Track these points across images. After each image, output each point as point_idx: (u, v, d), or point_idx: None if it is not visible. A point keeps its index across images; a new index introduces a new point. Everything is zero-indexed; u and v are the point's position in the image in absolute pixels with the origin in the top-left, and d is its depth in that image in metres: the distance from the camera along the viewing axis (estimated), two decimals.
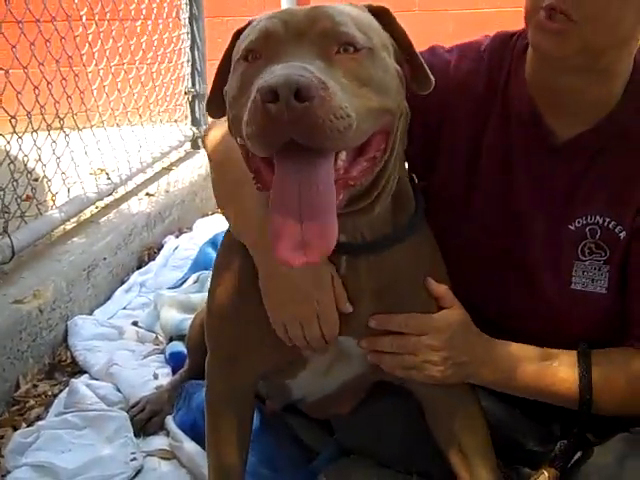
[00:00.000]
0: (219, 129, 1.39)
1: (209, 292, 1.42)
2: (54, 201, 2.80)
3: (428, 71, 1.22)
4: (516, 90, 1.38)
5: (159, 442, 1.86)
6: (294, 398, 1.59)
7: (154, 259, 3.01)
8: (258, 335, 1.33)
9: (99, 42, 3.09)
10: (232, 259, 1.35)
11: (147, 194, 3.29)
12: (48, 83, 2.56)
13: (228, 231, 1.41)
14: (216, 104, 1.27)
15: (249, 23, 1.20)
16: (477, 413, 1.42)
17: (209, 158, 1.46)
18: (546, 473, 1.36)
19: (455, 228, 1.41)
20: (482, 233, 1.42)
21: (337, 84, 1.01)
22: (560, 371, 1.34)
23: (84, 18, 2.88)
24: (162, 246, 3.15)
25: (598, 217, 1.34)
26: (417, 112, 1.28)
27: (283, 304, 1.26)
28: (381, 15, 1.20)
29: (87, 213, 2.93)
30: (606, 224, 1.33)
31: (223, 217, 1.42)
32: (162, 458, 1.80)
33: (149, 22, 3.52)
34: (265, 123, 0.96)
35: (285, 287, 1.24)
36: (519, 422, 1.56)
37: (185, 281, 2.78)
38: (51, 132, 2.69)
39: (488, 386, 1.39)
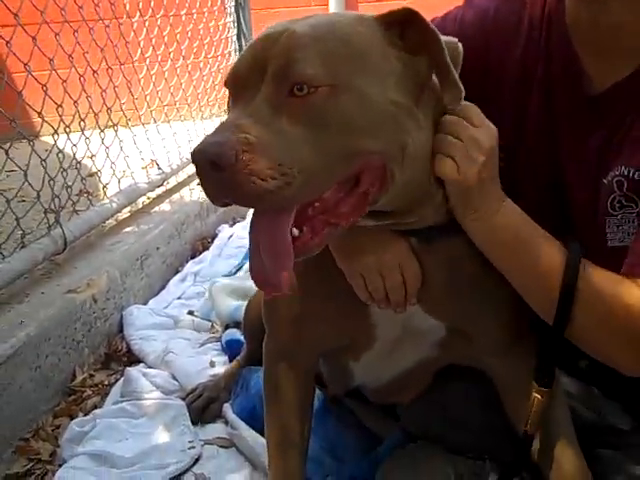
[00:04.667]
0: None
1: None
2: (105, 193, 2.79)
3: (459, 83, 1.07)
4: (556, 37, 1.29)
5: (217, 430, 1.83)
6: (355, 384, 1.52)
7: (208, 249, 2.98)
8: (321, 309, 1.28)
9: (144, 31, 3.06)
10: None
11: (199, 184, 3.23)
12: (94, 72, 2.53)
13: None
14: None
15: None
16: (557, 392, 1.31)
17: None
18: (539, 396, 1.24)
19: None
20: (527, 185, 1.33)
21: (277, 136, 0.95)
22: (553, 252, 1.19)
23: (127, 6, 2.85)
24: (216, 235, 3.13)
25: (624, 168, 1.24)
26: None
27: (362, 254, 1.21)
28: (403, 24, 1.05)
29: (139, 204, 2.92)
30: (631, 175, 1.23)
31: None
32: (220, 446, 1.77)
33: (194, 10, 3.48)
34: (204, 186, 0.98)
35: (364, 238, 1.20)
36: (597, 401, 1.45)
37: (240, 269, 2.75)
38: (100, 126, 2.68)
39: (476, 234, 1.19)
